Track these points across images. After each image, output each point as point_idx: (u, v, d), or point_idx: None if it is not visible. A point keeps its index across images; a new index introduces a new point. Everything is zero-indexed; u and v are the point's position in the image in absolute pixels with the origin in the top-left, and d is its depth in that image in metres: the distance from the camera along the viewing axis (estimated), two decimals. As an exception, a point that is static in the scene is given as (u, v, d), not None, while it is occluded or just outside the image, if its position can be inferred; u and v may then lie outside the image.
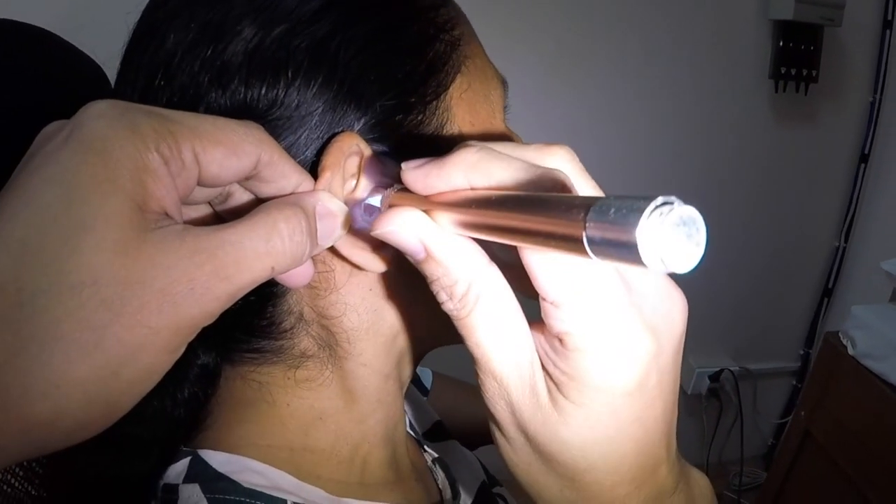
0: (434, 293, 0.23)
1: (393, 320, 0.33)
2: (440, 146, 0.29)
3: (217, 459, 0.31)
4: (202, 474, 0.31)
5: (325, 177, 0.26)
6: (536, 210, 0.18)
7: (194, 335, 0.22)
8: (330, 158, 0.27)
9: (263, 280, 0.23)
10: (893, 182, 1.53)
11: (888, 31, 1.45)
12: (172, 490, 0.31)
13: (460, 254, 0.22)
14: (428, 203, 0.23)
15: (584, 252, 0.16)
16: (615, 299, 0.21)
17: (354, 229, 0.28)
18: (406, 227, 0.23)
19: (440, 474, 0.44)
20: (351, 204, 0.28)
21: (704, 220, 0.15)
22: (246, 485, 0.30)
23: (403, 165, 0.24)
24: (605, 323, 0.21)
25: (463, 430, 0.56)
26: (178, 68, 0.27)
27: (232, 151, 0.23)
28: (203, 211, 0.27)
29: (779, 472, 1.34)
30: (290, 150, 0.27)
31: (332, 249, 0.28)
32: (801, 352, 1.74)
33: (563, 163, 0.22)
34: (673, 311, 0.23)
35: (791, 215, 1.58)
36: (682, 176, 1.45)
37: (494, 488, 0.49)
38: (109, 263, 0.19)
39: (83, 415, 0.20)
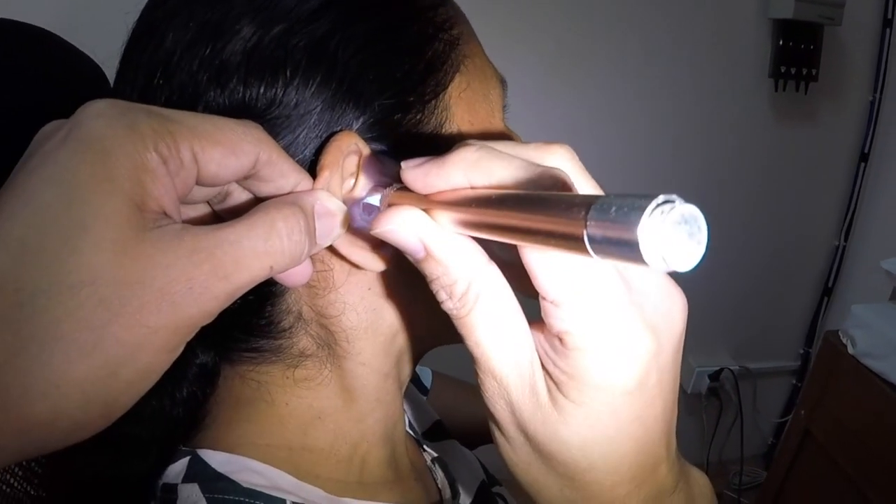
0: (433, 292, 0.23)
1: (392, 319, 0.33)
2: (439, 145, 0.29)
3: (216, 459, 0.31)
4: (201, 474, 0.31)
5: (324, 176, 0.26)
6: (537, 209, 0.18)
7: (193, 334, 0.22)
8: (328, 157, 0.27)
9: (262, 279, 0.23)
10: (893, 181, 1.53)
11: (888, 30, 1.45)
12: (171, 490, 0.31)
13: (460, 253, 0.22)
14: (427, 202, 0.23)
15: (584, 251, 0.16)
16: (615, 298, 0.21)
17: (353, 228, 0.28)
18: (406, 226, 0.23)
19: (439, 474, 0.44)
20: (349, 203, 0.28)
21: (705, 218, 0.15)
22: (245, 484, 0.30)
23: (403, 164, 0.23)
24: (605, 322, 0.21)
25: (462, 430, 0.56)
26: (176, 67, 0.27)
27: (230, 150, 0.23)
28: (202, 210, 0.27)
29: (779, 472, 1.34)
30: (289, 149, 0.27)
31: (331, 248, 0.28)
32: (801, 351, 1.74)
33: (563, 161, 0.22)
34: (673, 309, 0.23)
35: (791, 214, 1.58)
36: (681, 175, 1.45)
37: (494, 488, 0.49)
38: (108, 263, 0.19)
39: (82, 414, 0.20)
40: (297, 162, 0.27)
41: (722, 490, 1.69)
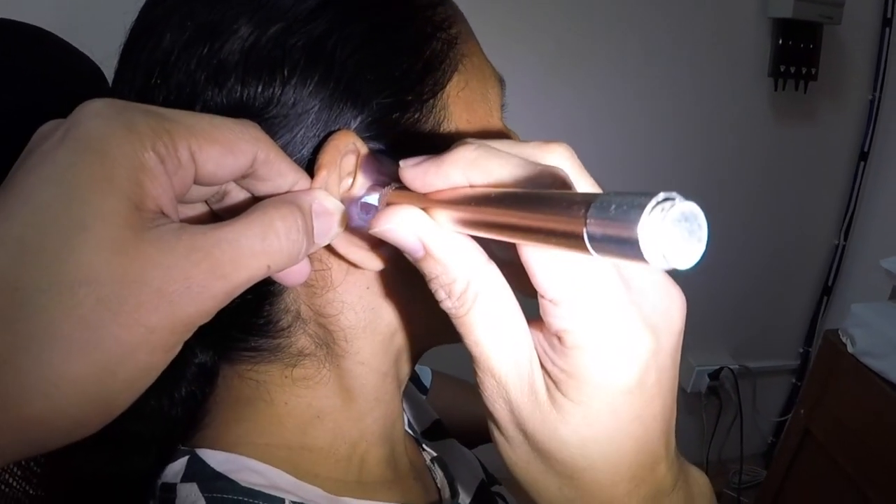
0: (432, 291, 0.23)
1: (390, 318, 0.33)
2: (437, 144, 0.29)
3: (215, 458, 0.31)
4: (200, 473, 0.31)
5: (322, 175, 0.26)
6: (536, 207, 0.18)
7: (191, 333, 0.22)
8: (326, 156, 0.27)
9: (260, 278, 0.23)
10: (893, 180, 1.53)
11: (887, 29, 1.45)
12: (170, 489, 0.31)
13: (459, 251, 0.22)
14: (426, 200, 0.23)
15: (584, 249, 0.16)
16: (614, 297, 0.21)
17: (351, 227, 0.28)
18: (405, 225, 0.23)
19: (439, 473, 0.43)
20: (347, 202, 0.28)
21: (704, 217, 0.15)
22: (244, 484, 0.30)
23: (402, 163, 0.23)
24: (604, 320, 0.21)
25: (462, 429, 0.56)
26: (174, 67, 0.27)
27: (228, 150, 0.23)
28: (200, 209, 0.27)
29: (778, 471, 1.34)
30: (287, 149, 0.27)
31: (329, 248, 0.28)
32: (801, 350, 1.74)
33: (561, 160, 0.22)
34: (672, 308, 0.23)
35: (791, 213, 1.58)
36: (681, 174, 1.45)
37: (493, 487, 0.49)
38: (107, 262, 0.19)
39: (80, 413, 0.20)
40: (295, 161, 0.27)
41: (722, 489, 1.69)
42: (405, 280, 0.31)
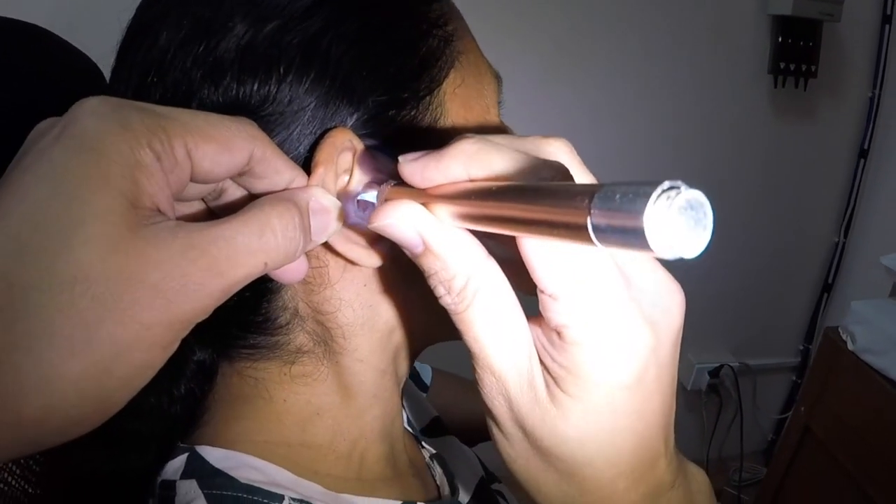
0: (432, 287, 0.23)
1: (388, 316, 0.33)
2: (434, 141, 0.29)
3: (214, 455, 0.31)
4: (199, 470, 0.31)
5: (319, 172, 0.26)
6: (538, 199, 0.17)
7: (188, 331, 0.21)
8: (323, 154, 0.27)
9: (257, 276, 0.22)
10: (893, 177, 1.53)
11: (887, 26, 1.44)
12: (170, 486, 0.31)
13: (459, 247, 0.22)
14: (425, 197, 0.23)
15: (588, 240, 0.15)
16: (614, 292, 0.21)
17: (348, 225, 0.28)
18: (404, 220, 0.22)
19: (438, 470, 0.43)
20: (344, 199, 0.28)
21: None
22: (243, 480, 0.30)
23: (401, 158, 0.23)
24: (603, 316, 0.21)
25: (462, 427, 0.56)
26: (170, 65, 0.27)
27: (224, 147, 0.23)
28: (196, 207, 0.27)
29: (779, 468, 1.34)
30: (283, 146, 0.27)
31: (326, 245, 0.28)
32: (801, 347, 1.74)
33: (560, 155, 0.22)
34: (671, 305, 0.23)
35: (790, 211, 1.58)
36: (681, 172, 1.44)
37: (493, 484, 0.49)
38: (102, 260, 0.19)
39: (76, 412, 0.20)
40: (292, 159, 0.27)
41: (722, 486, 1.69)
42: (403, 277, 0.31)
